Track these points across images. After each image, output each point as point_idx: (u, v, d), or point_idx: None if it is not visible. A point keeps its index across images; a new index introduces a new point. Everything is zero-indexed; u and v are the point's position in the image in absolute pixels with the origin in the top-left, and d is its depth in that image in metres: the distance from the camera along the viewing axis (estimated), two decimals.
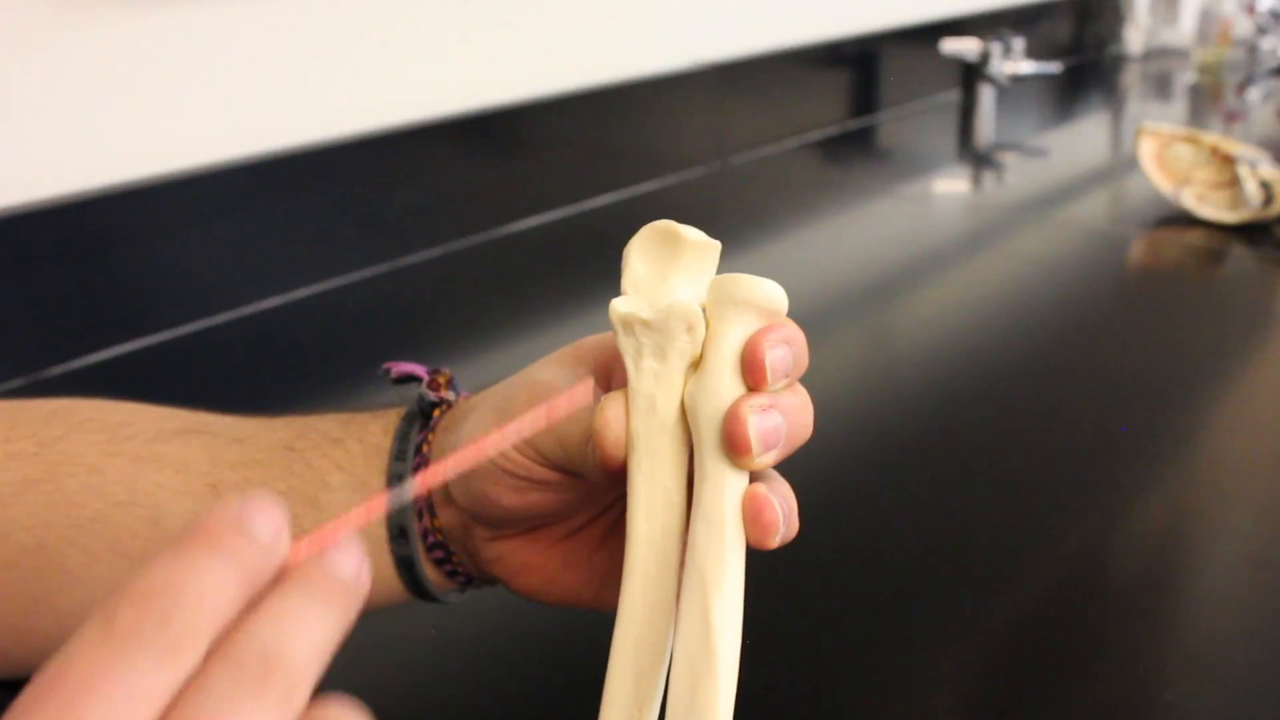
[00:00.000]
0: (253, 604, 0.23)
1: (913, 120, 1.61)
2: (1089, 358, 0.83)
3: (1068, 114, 1.80)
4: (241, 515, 0.23)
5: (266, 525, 0.23)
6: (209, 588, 0.22)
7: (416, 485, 0.28)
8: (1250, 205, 1.09)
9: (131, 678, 0.20)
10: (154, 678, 0.20)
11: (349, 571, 0.24)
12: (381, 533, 0.40)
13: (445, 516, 0.40)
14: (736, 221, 1.13)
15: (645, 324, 0.33)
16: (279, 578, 0.23)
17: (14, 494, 0.40)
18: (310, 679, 0.22)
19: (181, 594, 0.21)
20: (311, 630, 0.22)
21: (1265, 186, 1.09)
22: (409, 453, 0.40)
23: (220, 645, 0.22)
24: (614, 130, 1.19)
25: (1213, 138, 1.16)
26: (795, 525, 0.33)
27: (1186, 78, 1.98)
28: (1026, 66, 1.54)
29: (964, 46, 1.53)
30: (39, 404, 0.43)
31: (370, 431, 0.41)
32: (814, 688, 0.48)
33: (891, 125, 1.58)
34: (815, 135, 1.48)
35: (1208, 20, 2.00)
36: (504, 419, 0.36)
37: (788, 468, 0.34)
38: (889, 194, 1.29)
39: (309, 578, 0.23)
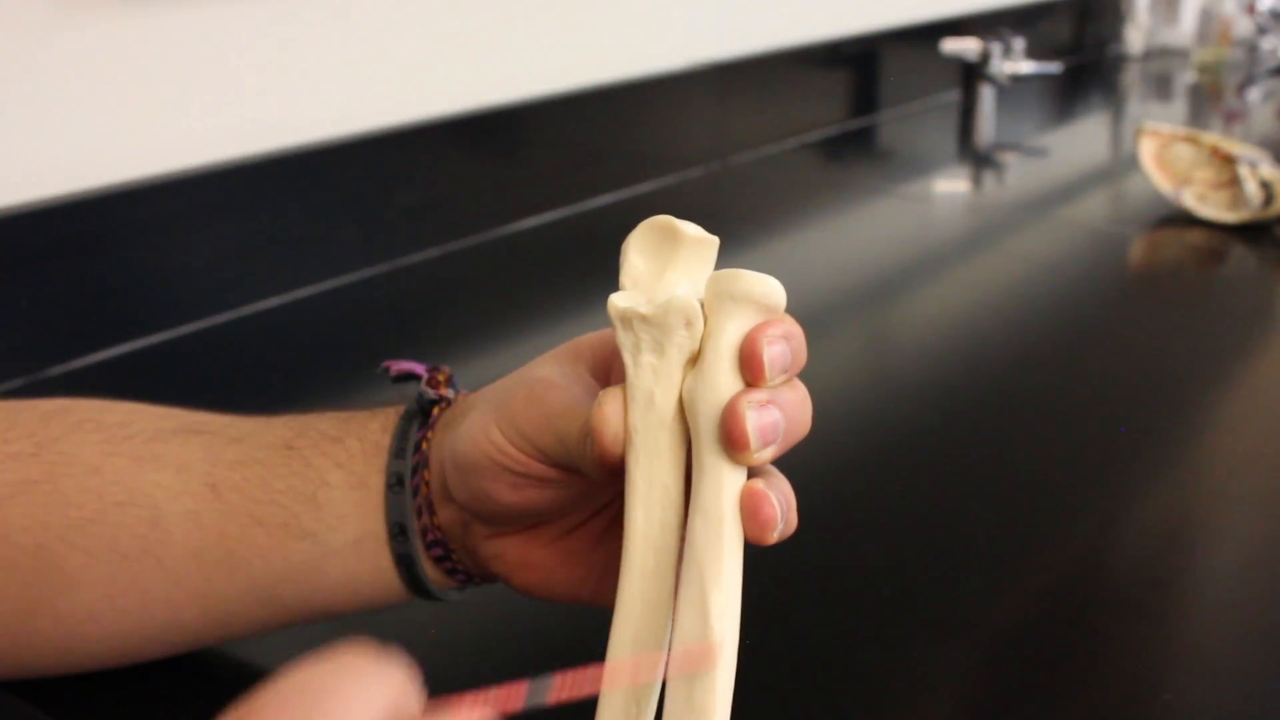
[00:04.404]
0: None
1: (913, 120, 1.61)
2: (1089, 358, 0.83)
3: (1068, 114, 1.80)
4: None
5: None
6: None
7: (555, 688, 0.28)
8: (1250, 205, 1.09)
9: None
10: None
11: None
12: (381, 531, 0.40)
13: (444, 514, 0.40)
14: (736, 221, 1.13)
15: (644, 319, 0.33)
16: None
17: (12, 495, 0.40)
18: None
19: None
20: None
21: (1265, 186, 1.09)
22: (408, 450, 0.40)
23: None
24: (614, 130, 1.19)
25: (1213, 138, 1.16)
26: (794, 521, 0.33)
27: (1186, 78, 1.98)
28: (1026, 66, 1.54)
29: (964, 46, 1.53)
30: (37, 404, 0.43)
31: (369, 429, 0.41)
32: (812, 686, 0.48)
33: (891, 125, 1.58)
34: (815, 135, 1.47)
35: (1208, 20, 2.00)
36: (502, 416, 0.36)
37: (786, 464, 0.34)
38: (889, 194, 1.29)
39: None
